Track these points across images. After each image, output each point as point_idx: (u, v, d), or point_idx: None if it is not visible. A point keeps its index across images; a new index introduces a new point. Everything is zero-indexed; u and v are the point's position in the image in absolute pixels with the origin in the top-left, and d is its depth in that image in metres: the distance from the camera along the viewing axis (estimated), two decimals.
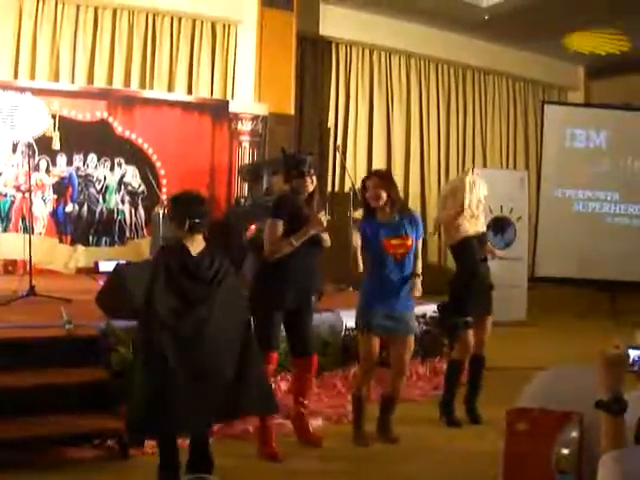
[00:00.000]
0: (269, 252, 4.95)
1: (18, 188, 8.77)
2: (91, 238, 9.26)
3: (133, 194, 9.45)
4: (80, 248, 9.18)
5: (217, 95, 10.54)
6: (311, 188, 5.05)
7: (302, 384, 5.22)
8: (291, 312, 5.06)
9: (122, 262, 7.46)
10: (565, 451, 2.36)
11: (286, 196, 5.10)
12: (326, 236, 5.12)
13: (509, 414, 2.51)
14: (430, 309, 6.92)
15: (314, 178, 5.08)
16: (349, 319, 6.04)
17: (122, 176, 9.34)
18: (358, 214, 5.71)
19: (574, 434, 2.36)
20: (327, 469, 4.67)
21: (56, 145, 8.92)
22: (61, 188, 9.10)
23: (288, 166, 5.14)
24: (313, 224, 4.91)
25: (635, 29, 10.79)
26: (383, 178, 5.25)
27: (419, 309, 6.55)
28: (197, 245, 4.36)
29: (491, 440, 3.08)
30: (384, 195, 5.12)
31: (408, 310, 5.21)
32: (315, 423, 5.53)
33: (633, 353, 2.13)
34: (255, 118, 10.08)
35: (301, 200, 5.02)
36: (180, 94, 10.21)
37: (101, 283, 6.36)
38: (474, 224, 5.70)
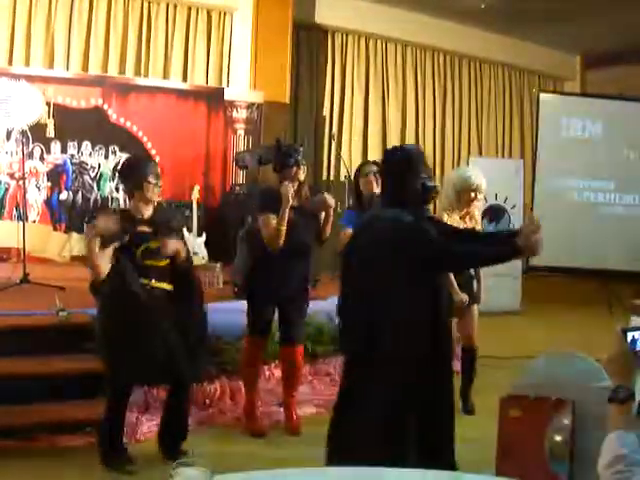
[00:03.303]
0: (271, 245, 4.99)
1: (12, 176, 8.73)
2: (85, 226, 9.22)
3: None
4: (74, 236, 9.14)
5: (212, 83, 10.50)
6: (302, 177, 5.13)
7: (288, 375, 5.28)
8: (285, 302, 5.10)
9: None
10: (558, 437, 2.37)
11: (270, 188, 5.18)
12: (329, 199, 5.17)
13: (503, 401, 2.52)
14: None
15: (304, 168, 5.15)
16: None
17: (116, 164, 9.28)
18: None
19: (566, 421, 2.37)
20: (318, 456, 4.68)
21: (50, 132, 8.88)
22: (55, 176, 9.05)
23: (280, 156, 5.19)
24: (285, 198, 4.90)
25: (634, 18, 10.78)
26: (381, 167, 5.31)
27: None
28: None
29: (483, 428, 3.08)
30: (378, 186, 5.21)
31: None
32: (308, 410, 5.56)
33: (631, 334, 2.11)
34: (250, 106, 10.05)
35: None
36: (175, 81, 10.17)
37: None
38: (458, 220, 5.64)
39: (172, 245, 4.45)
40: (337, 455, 3.65)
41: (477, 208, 5.83)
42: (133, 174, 4.57)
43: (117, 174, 4.83)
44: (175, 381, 4.56)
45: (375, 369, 3.48)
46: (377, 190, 5.27)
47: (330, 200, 5.14)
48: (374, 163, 5.53)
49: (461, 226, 5.59)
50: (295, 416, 5.29)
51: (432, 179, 3.79)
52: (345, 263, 3.87)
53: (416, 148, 4.05)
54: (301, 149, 5.24)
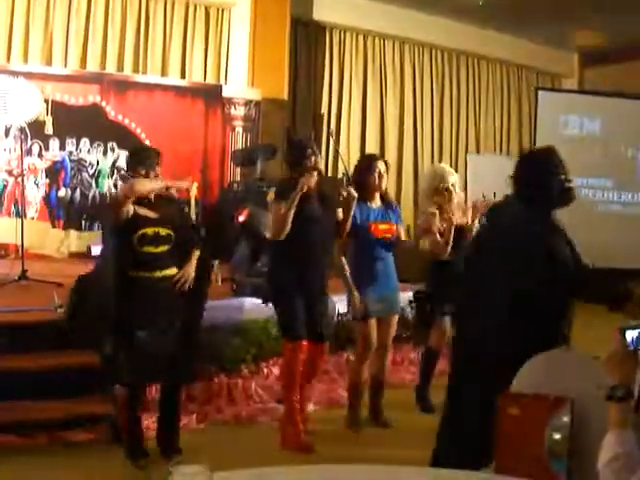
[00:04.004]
0: (275, 232, 4.85)
1: (10, 172, 8.73)
2: (83, 223, 9.22)
3: (126, 179, 9.39)
4: (72, 233, 9.15)
5: (210, 79, 10.50)
6: (321, 166, 5.08)
7: (310, 373, 5.10)
8: (311, 298, 4.93)
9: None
10: (557, 436, 2.37)
11: (288, 180, 5.03)
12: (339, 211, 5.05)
13: (502, 399, 2.53)
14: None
15: (320, 157, 5.10)
16: (341, 305, 6.06)
17: (115, 160, 9.31)
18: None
19: (565, 419, 2.37)
20: (319, 453, 4.69)
21: (49, 129, 8.88)
22: (54, 172, 9.06)
23: (296, 149, 5.08)
24: (301, 183, 4.75)
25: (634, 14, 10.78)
26: (388, 166, 5.37)
27: (411, 295, 6.57)
28: None
29: None
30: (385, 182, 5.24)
31: (395, 291, 5.33)
32: (308, 408, 5.56)
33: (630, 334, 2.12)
34: (248, 103, 10.05)
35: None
36: (173, 78, 10.16)
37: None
38: (446, 217, 5.62)
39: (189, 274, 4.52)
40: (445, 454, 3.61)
41: (454, 203, 5.74)
42: (141, 161, 4.62)
43: (127, 159, 4.83)
44: (171, 379, 4.58)
45: (483, 370, 3.40)
46: (383, 187, 5.27)
47: (353, 192, 5.03)
48: (384, 160, 5.48)
49: (443, 223, 5.58)
50: (305, 412, 5.18)
51: (570, 180, 3.66)
52: (470, 263, 3.76)
53: (552, 148, 3.91)
54: (313, 142, 5.20)
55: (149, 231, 4.39)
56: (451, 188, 5.65)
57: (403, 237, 5.37)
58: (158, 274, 4.41)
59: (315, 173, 4.89)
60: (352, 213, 5.03)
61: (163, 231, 4.43)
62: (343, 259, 5.20)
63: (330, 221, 5.00)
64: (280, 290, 4.95)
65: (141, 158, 4.66)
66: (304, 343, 4.82)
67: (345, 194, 4.95)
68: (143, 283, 4.37)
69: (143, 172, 4.54)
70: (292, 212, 4.73)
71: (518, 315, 3.29)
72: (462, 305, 3.83)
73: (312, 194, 4.88)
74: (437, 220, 5.55)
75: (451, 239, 5.49)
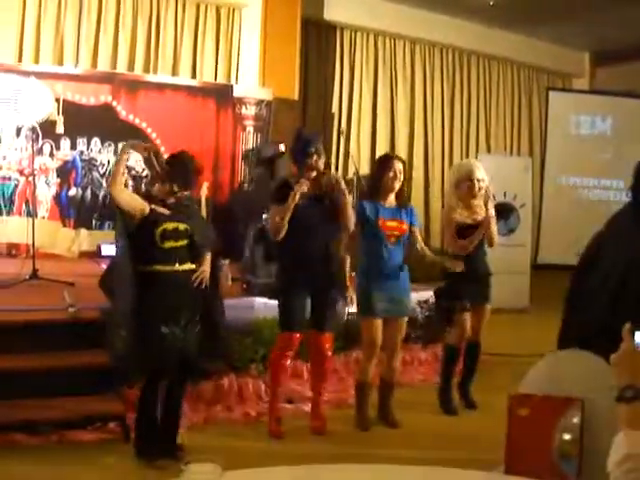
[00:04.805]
0: (273, 233, 4.94)
1: (22, 172, 8.77)
2: (94, 222, 9.25)
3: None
4: (83, 232, 9.18)
5: (221, 79, 10.51)
6: (321, 167, 5.02)
7: (315, 366, 5.22)
8: (316, 289, 5.01)
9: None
10: (567, 437, 2.36)
11: (285, 180, 5.08)
12: (350, 214, 5.04)
13: (511, 400, 2.52)
14: (432, 295, 6.92)
15: (323, 157, 5.04)
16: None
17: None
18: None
19: (576, 420, 2.36)
20: (328, 452, 4.69)
21: (60, 129, 8.91)
22: (64, 172, 9.09)
23: (299, 145, 5.07)
24: (292, 195, 4.81)
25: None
26: (405, 167, 5.35)
27: (421, 295, 6.56)
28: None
29: (492, 426, 3.08)
30: (401, 181, 5.21)
31: (405, 292, 5.29)
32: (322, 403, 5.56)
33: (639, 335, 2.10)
34: (259, 102, 10.06)
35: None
36: (184, 78, 10.18)
37: (104, 267, 6.36)
38: (472, 212, 5.64)
39: (206, 272, 4.56)
40: None
41: (481, 199, 5.74)
42: (185, 173, 4.64)
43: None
44: (183, 373, 4.58)
45: None
46: (397, 187, 5.25)
47: (337, 177, 5.06)
48: (401, 159, 5.46)
49: (469, 218, 5.59)
50: (322, 415, 5.22)
51: None
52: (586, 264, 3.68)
53: None
54: (320, 137, 5.18)
55: (169, 226, 4.42)
56: (477, 183, 5.62)
57: (419, 239, 5.33)
58: (179, 267, 4.44)
59: (313, 173, 4.92)
60: (348, 204, 5.01)
61: (182, 226, 4.46)
62: (347, 256, 5.23)
63: (331, 219, 5.01)
64: (281, 287, 5.08)
65: (189, 178, 4.67)
66: (296, 336, 4.96)
67: (333, 181, 4.98)
68: (166, 277, 4.41)
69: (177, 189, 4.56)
70: (287, 218, 4.80)
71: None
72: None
73: (312, 194, 4.92)
74: (457, 215, 5.55)
75: (477, 238, 5.53)
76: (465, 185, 5.61)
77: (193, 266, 4.52)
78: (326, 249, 5.02)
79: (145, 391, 4.49)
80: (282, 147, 8.65)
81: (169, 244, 4.42)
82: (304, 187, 4.83)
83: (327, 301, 5.08)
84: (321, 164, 5.01)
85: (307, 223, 4.88)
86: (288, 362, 5.14)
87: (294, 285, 4.96)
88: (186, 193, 4.61)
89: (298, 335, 4.98)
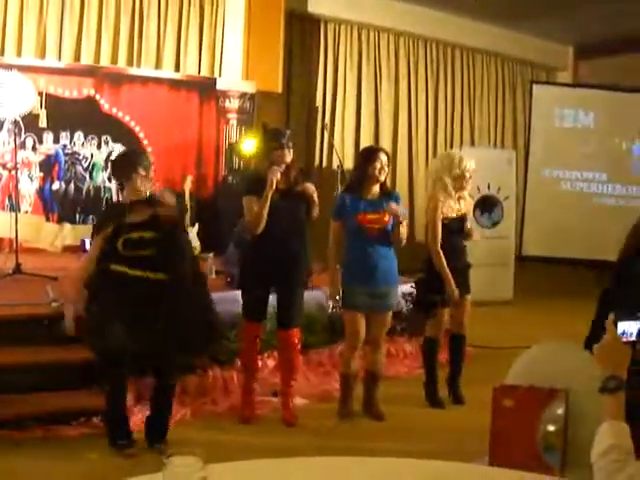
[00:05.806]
0: (250, 226, 5.00)
1: (4, 166, 8.70)
2: (78, 216, 9.19)
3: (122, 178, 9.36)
4: (67, 226, 9.13)
5: (205, 72, 10.46)
6: (288, 160, 5.08)
7: (284, 361, 5.28)
8: (279, 286, 5.11)
9: None
10: (551, 428, 2.37)
11: (256, 172, 5.17)
12: (316, 208, 5.14)
13: (496, 391, 2.53)
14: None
15: (291, 151, 5.11)
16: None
17: (109, 154, 9.27)
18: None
19: (560, 411, 2.37)
20: (313, 445, 4.70)
21: (43, 123, 8.85)
22: (47, 166, 9.03)
23: (266, 139, 5.23)
24: (269, 182, 4.89)
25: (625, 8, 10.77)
26: (389, 159, 5.34)
27: (406, 287, 6.57)
28: None
29: (477, 418, 3.09)
30: (385, 174, 5.21)
31: (389, 286, 5.26)
32: (301, 401, 5.56)
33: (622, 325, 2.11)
34: (243, 96, 10.02)
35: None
36: (168, 71, 10.12)
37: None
38: (453, 205, 5.63)
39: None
40: None
41: (468, 190, 5.79)
42: (123, 166, 4.64)
43: (109, 168, 4.89)
44: (160, 372, 4.59)
45: None
46: (382, 179, 5.24)
47: (313, 189, 5.13)
48: (385, 152, 5.45)
49: (454, 210, 5.60)
50: (291, 406, 5.28)
51: None
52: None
53: None
54: (288, 132, 5.21)
55: (134, 235, 4.41)
56: (466, 174, 5.63)
57: (404, 225, 5.24)
58: (142, 274, 4.42)
59: (282, 167, 4.98)
60: (315, 204, 5.12)
61: (147, 235, 4.44)
62: (331, 251, 5.26)
63: (297, 212, 5.09)
64: (244, 278, 5.24)
65: (141, 159, 4.67)
66: (257, 325, 5.20)
67: (305, 189, 5.05)
68: (125, 278, 4.41)
69: (144, 173, 4.55)
70: (266, 209, 4.87)
71: None
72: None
73: (280, 188, 4.98)
74: (440, 209, 5.55)
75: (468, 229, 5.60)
76: (461, 179, 5.61)
77: (160, 276, 4.46)
78: (291, 245, 5.08)
79: (107, 379, 4.52)
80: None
81: (131, 253, 4.42)
82: (277, 174, 4.91)
83: (291, 295, 5.17)
84: (288, 158, 5.08)
85: (274, 217, 4.95)
86: (256, 349, 5.34)
87: (256, 278, 5.10)
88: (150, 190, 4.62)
89: (259, 324, 5.21)
